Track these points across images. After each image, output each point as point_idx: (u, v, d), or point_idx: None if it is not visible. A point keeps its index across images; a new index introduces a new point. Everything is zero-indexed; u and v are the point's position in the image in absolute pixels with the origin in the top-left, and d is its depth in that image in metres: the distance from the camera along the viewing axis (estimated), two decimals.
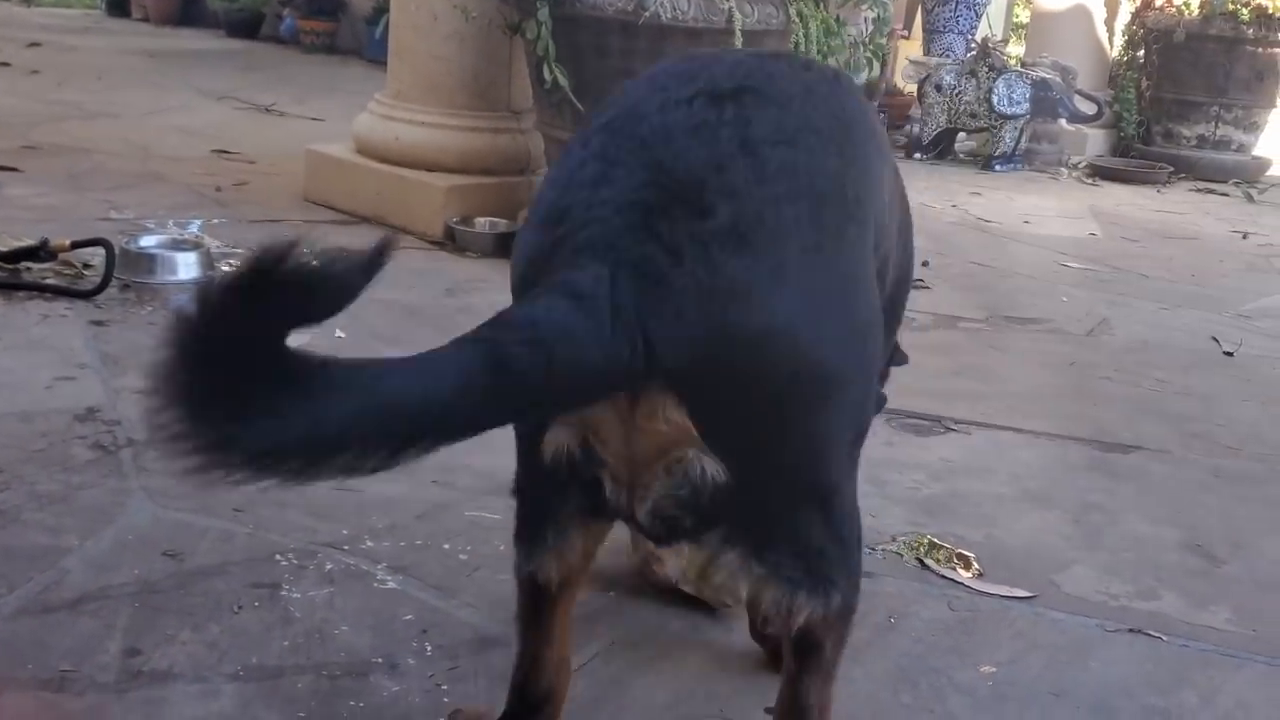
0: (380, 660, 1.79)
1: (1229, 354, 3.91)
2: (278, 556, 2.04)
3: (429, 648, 1.83)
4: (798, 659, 1.46)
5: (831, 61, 4.12)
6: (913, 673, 1.90)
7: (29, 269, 3.41)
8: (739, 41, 3.64)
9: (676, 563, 2.01)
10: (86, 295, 3.25)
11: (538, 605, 1.51)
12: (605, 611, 1.99)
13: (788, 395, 1.24)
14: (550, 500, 1.40)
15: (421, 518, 2.23)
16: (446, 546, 2.13)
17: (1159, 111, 8.65)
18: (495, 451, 2.28)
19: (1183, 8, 8.39)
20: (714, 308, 1.17)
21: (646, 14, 3.61)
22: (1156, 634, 2.08)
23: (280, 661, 1.77)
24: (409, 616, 1.90)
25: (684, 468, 1.26)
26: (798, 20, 3.84)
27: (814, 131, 1.32)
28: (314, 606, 1.91)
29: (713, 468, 1.25)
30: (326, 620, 1.88)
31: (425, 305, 3.51)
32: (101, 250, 3.38)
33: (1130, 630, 2.09)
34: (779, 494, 1.31)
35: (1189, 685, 1.94)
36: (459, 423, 1.14)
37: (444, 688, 1.74)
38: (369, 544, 2.12)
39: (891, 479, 2.62)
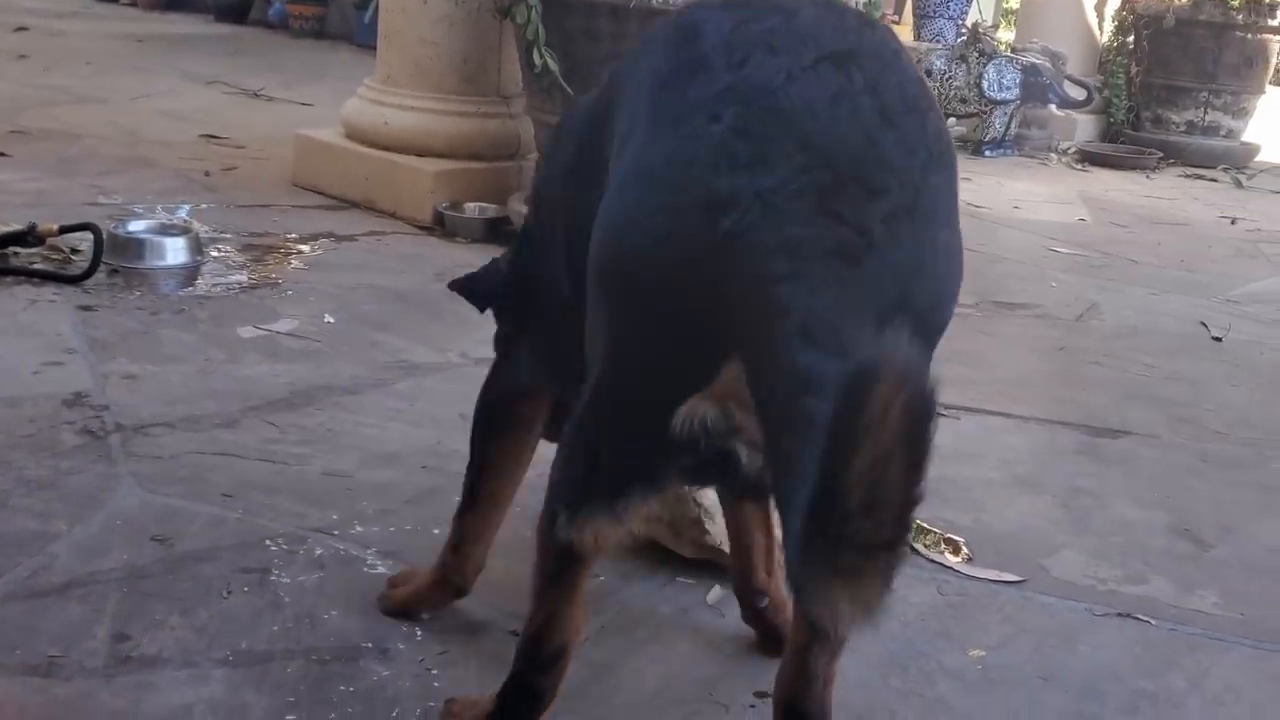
0: (370, 645, 1.79)
1: (1217, 339, 3.92)
2: (267, 542, 2.04)
3: (419, 633, 1.83)
4: (810, 632, 1.46)
5: None
6: (902, 657, 1.90)
7: (16, 254, 3.39)
8: None
9: (722, 525, 1.99)
10: (74, 280, 3.24)
11: (567, 568, 1.49)
12: (594, 595, 1.98)
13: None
14: (646, 466, 1.36)
15: (411, 503, 2.22)
16: (436, 532, 2.12)
17: (1148, 97, 8.65)
18: None
19: None
20: (901, 286, 1.21)
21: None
22: (1145, 618, 2.09)
23: (269, 646, 1.76)
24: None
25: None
26: None
27: (919, 94, 1.31)
28: (304, 591, 1.91)
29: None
30: (316, 605, 1.87)
31: (414, 290, 3.50)
32: (89, 235, 3.37)
33: (1119, 614, 2.09)
34: None
35: (1177, 669, 1.95)
36: None
37: (434, 672, 1.75)
38: (359, 529, 2.12)
39: None
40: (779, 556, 1.86)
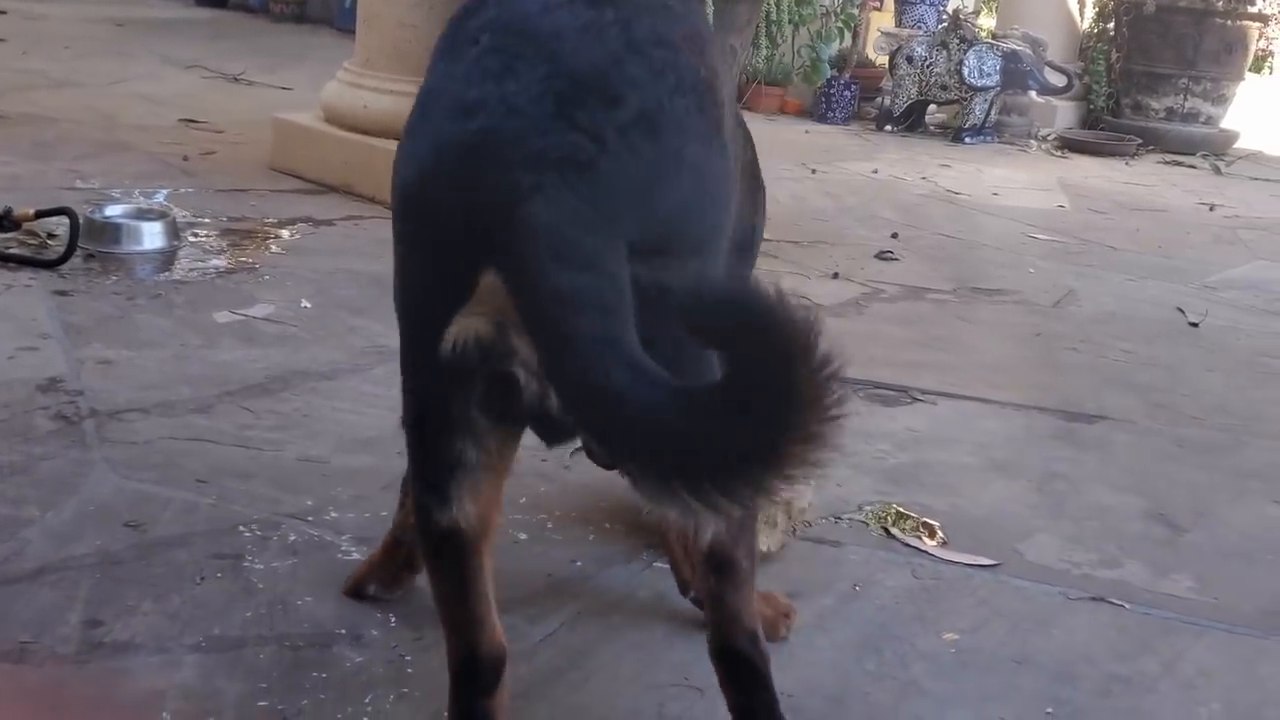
0: (343, 631, 1.79)
1: (1194, 325, 3.93)
2: (241, 528, 2.03)
3: (392, 619, 1.82)
4: (715, 578, 1.51)
5: (803, 31, 4.11)
6: (876, 640, 1.91)
7: None
8: (710, 10, 3.62)
9: None
10: (50, 265, 3.22)
11: (463, 560, 1.43)
12: (571, 580, 1.99)
13: (706, 253, 1.34)
14: (457, 415, 1.34)
15: (387, 489, 2.21)
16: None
17: (1128, 84, 8.67)
18: None
19: None
20: (637, 192, 1.24)
21: None
22: (1119, 602, 2.09)
23: (242, 632, 1.76)
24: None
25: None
26: None
27: (677, 37, 1.35)
28: (277, 577, 1.90)
29: None
30: (290, 591, 1.87)
31: (390, 274, 3.48)
32: (66, 220, 3.35)
33: (1093, 598, 2.10)
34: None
35: (1151, 653, 1.96)
36: None
37: (408, 659, 1.74)
38: (333, 515, 2.11)
39: (858, 449, 2.63)
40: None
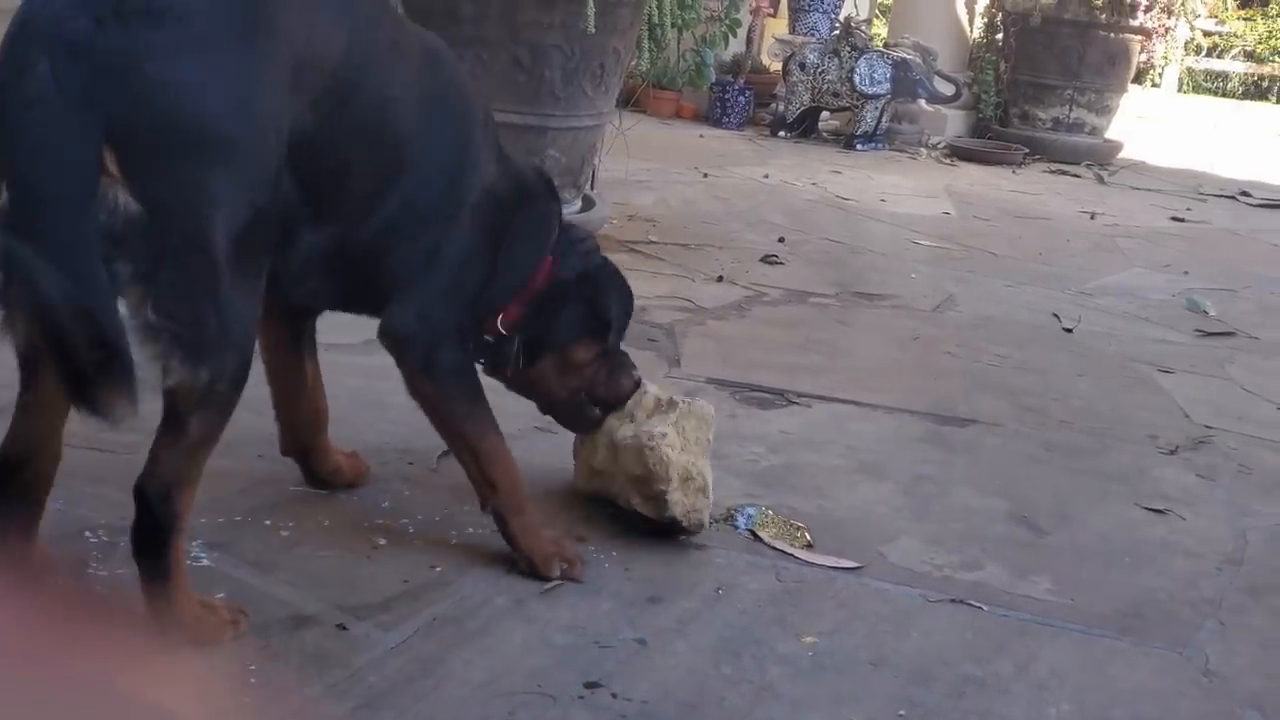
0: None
1: (1068, 330, 4.00)
2: (87, 533, 1.97)
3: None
4: (165, 429, 1.67)
5: (687, 35, 4.12)
6: (736, 644, 1.90)
7: None
8: (591, 11, 3.61)
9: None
10: None
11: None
12: (429, 586, 1.96)
13: (177, 144, 1.48)
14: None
15: (243, 492, 2.17)
16: (268, 522, 2.08)
17: (1016, 94, 8.84)
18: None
19: None
20: (130, 65, 1.44)
21: None
22: (977, 604, 2.11)
23: None
24: (222, 595, 1.84)
25: (106, 199, 1.43)
26: None
27: None
28: (123, 584, 1.84)
29: (124, 197, 1.44)
30: (135, 598, 1.81)
31: None
32: None
33: (952, 600, 2.12)
34: (170, 244, 1.49)
35: (1006, 654, 1.98)
36: None
37: (253, 668, 1.70)
38: None
39: (731, 451, 2.63)
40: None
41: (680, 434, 2.17)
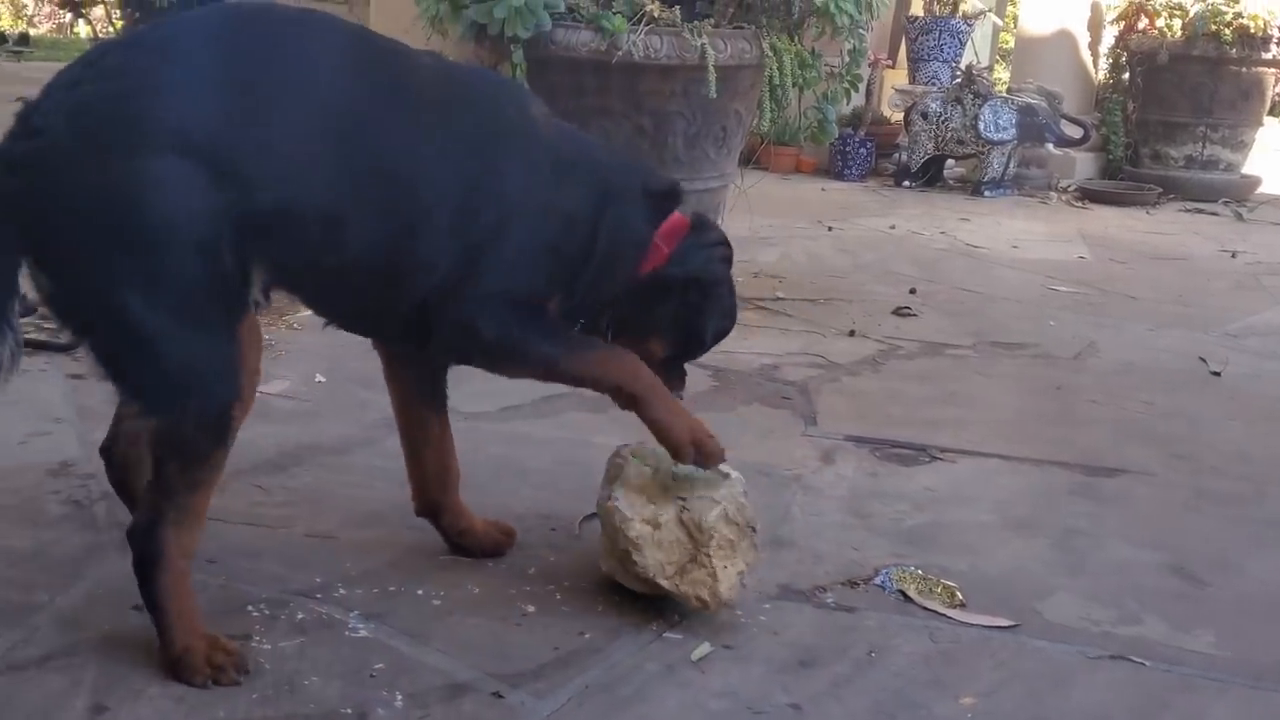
0: (349, 711, 1.77)
1: (1216, 374, 3.89)
2: (249, 607, 2.02)
3: (399, 697, 1.80)
4: (152, 471, 1.82)
5: (808, 93, 4.13)
6: (891, 707, 1.88)
7: None
8: (712, 77, 3.65)
9: (655, 556, 2.01)
10: (65, 349, 3.24)
11: None
12: (579, 653, 1.96)
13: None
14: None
15: (395, 563, 2.21)
16: (419, 592, 2.11)
17: (1146, 133, 8.67)
18: (468, 496, 2.28)
19: (1165, 30, 8.42)
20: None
21: (619, 53, 3.62)
22: (1139, 659, 2.06)
23: (248, 714, 1.74)
24: (380, 665, 1.88)
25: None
26: (771, 54, 3.85)
27: None
28: (284, 657, 1.89)
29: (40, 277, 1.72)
30: (297, 671, 1.85)
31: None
32: None
33: (1112, 656, 2.06)
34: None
35: (1171, 710, 1.92)
36: None
37: None
38: (342, 592, 2.10)
39: (875, 510, 2.61)
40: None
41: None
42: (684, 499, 2.06)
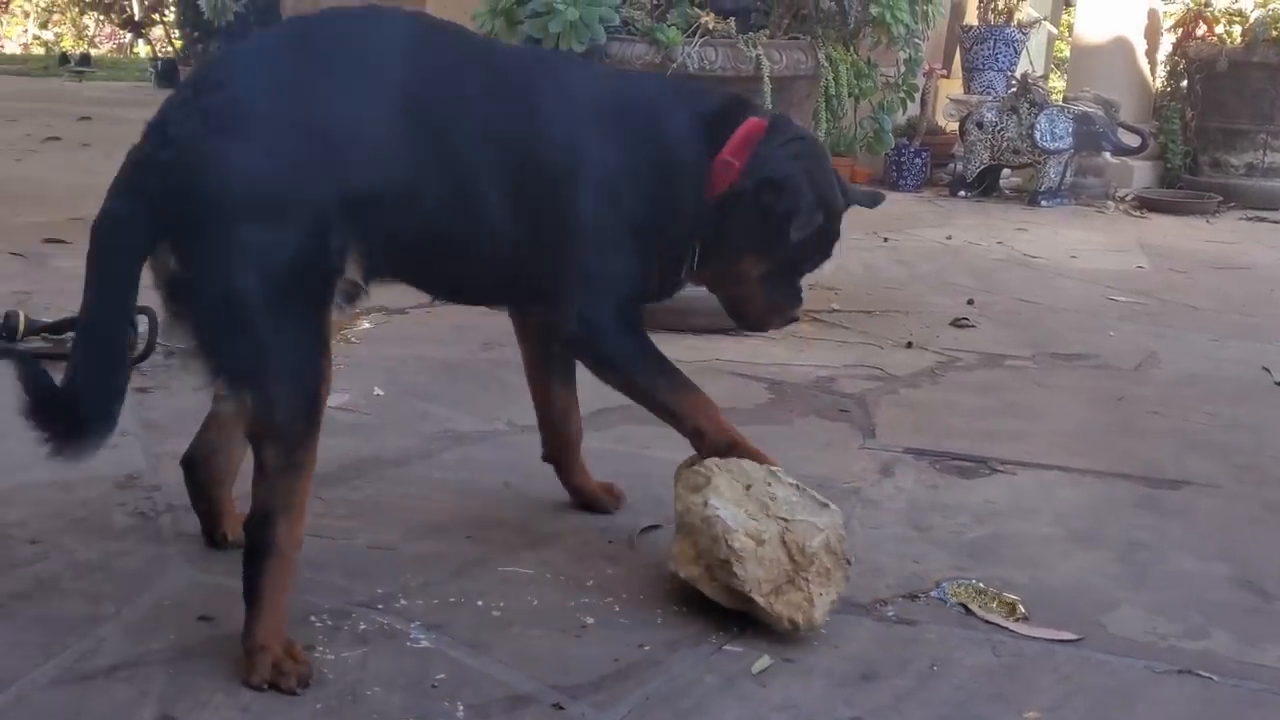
0: None
1: None
2: (312, 618, 2.04)
3: (461, 708, 1.81)
4: (254, 465, 1.91)
5: (864, 104, 4.12)
6: None
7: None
8: (768, 89, 3.65)
9: (755, 571, 2.01)
10: (131, 363, 3.28)
11: None
12: (639, 665, 1.96)
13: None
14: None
15: (456, 574, 2.22)
16: (480, 603, 2.12)
17: (1205, 141, 8.57)
18: (527, 507, 2.29)
19: (1224, 36, 8.33)
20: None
21: (674, 65, 3.62)
22: (1206, 674, 2.03)
23: None
24: (441, 675, 1.89)
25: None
26: (827, 64, 3.84)
27: None
28: (347, 668, 1.90)
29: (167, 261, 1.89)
30: (359, 681, 1.87)
31: (463, 361, 3.52)
32: (144, 318, 3.42)
33: (1179, 671, 2.04)
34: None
35: None
36: None
37: None
38: (403, 602, 2.11)
39: (935, 523, 2.59)
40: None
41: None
42: (786, 520, 2.05)
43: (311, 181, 1.88)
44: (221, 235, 1.83)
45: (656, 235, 2.18)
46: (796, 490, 2.11)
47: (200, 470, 2.24)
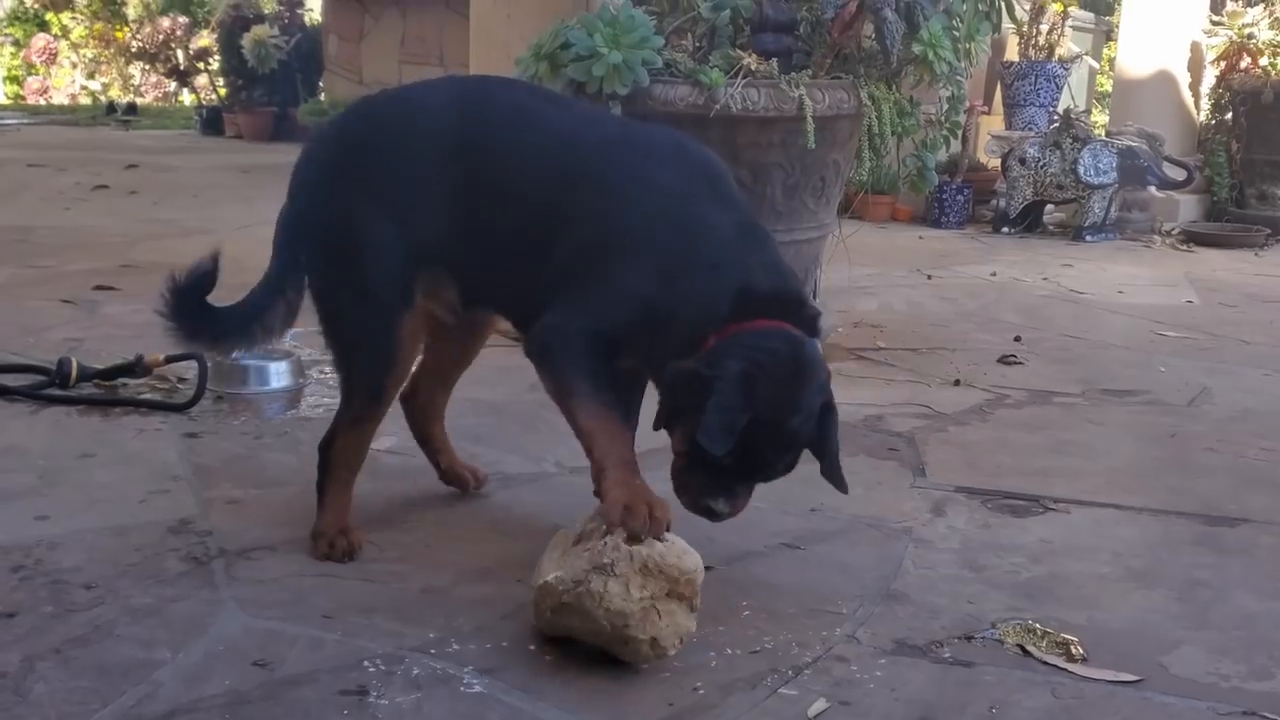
0: None
1: None
2: (365, 663, 2.04)
3: None
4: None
5: (906, 142, 4.12)
6: None
7: (125, 385, 3.50)
8: (810, 127, 3.65)
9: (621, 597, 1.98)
10: (180, 409, 3.32)
11: None
12: (694, 708, 1.94)
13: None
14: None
15: (508, 618, 2.21)
16: (532, 647, 2.11)
17: (1252, 173, 8.50)
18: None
19: (1269, 68, 8.27)
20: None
21: (718, 106, 3.63)
22: (1272, 715, 1.98)
23: None
24: None
25: None
26: (870, 104, 3.84)
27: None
28: (401, 712, 1.90)
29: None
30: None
31: (509, 402, 3.53)
32: (194, 364, 3.45)
33: (1244, 713, 1.99)
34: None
35: None
36: None
37: None
38: (456, 647, 2.10)
39: (990, 563, 2.56)
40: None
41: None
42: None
43: (391, 231, 2.40)
44: (330, 264, 2.53)
45: (653, 313, 2.19)
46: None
47: (415, 408, 2.78)
